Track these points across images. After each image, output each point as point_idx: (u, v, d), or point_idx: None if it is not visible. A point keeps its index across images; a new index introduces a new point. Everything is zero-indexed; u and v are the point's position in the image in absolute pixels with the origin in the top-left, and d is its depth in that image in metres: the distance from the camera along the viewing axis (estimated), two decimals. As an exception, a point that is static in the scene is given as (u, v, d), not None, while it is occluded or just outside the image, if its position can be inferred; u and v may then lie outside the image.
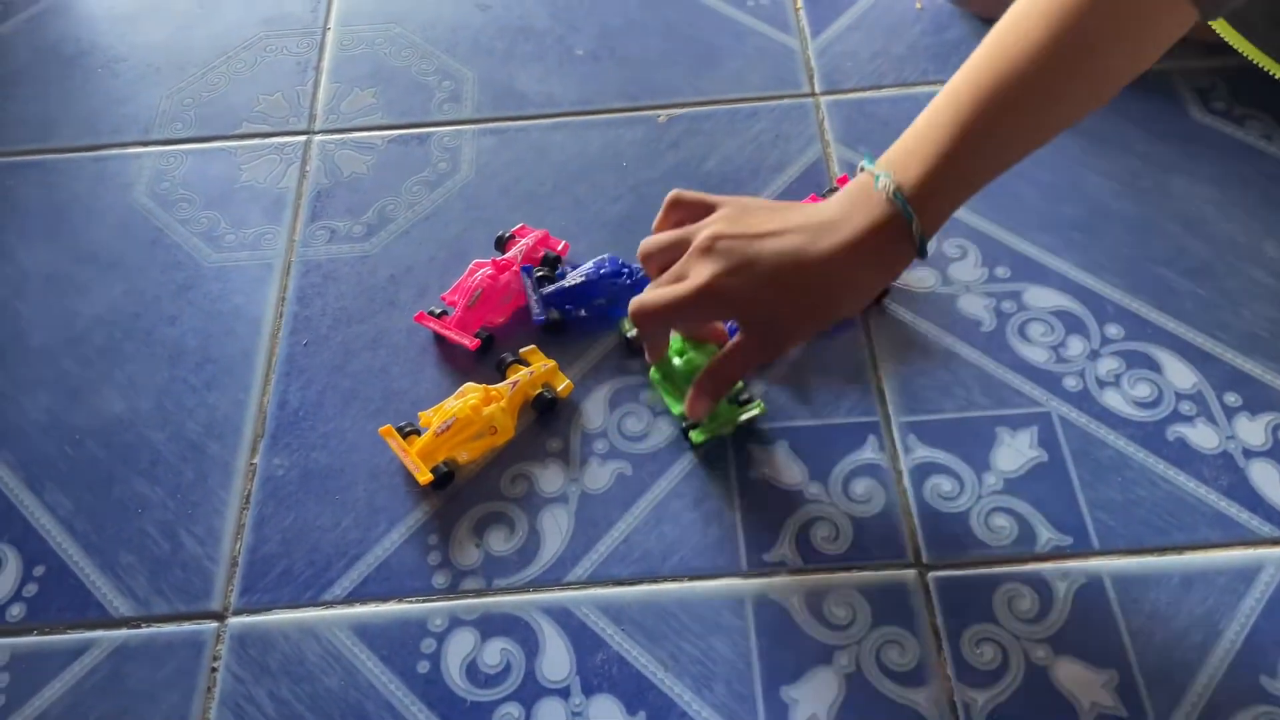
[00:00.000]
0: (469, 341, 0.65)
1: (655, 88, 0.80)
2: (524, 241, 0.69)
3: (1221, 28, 0.71)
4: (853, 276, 0.53)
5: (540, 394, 0.62)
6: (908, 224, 0.51)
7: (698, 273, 0.54)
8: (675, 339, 0.62)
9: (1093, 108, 0.52)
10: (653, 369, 0.62)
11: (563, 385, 0.63)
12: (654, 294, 0.55)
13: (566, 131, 0.78)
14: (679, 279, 0.55)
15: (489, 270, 0.67)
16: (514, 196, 0.74)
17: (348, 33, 0.86)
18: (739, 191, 0.73)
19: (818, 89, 0.79)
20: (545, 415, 0.63)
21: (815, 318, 0.55)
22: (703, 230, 0.55)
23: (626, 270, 0.67)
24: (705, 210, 0.57)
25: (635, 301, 0.56)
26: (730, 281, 0.53)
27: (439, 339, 0.66)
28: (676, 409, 0.62)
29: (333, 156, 0.78)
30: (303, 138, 0.79)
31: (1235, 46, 0.71)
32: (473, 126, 0.79)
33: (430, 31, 0.86)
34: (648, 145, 0.77)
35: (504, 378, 0.63)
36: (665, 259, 0.57)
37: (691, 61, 0.82)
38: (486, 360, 0.65)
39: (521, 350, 0.65)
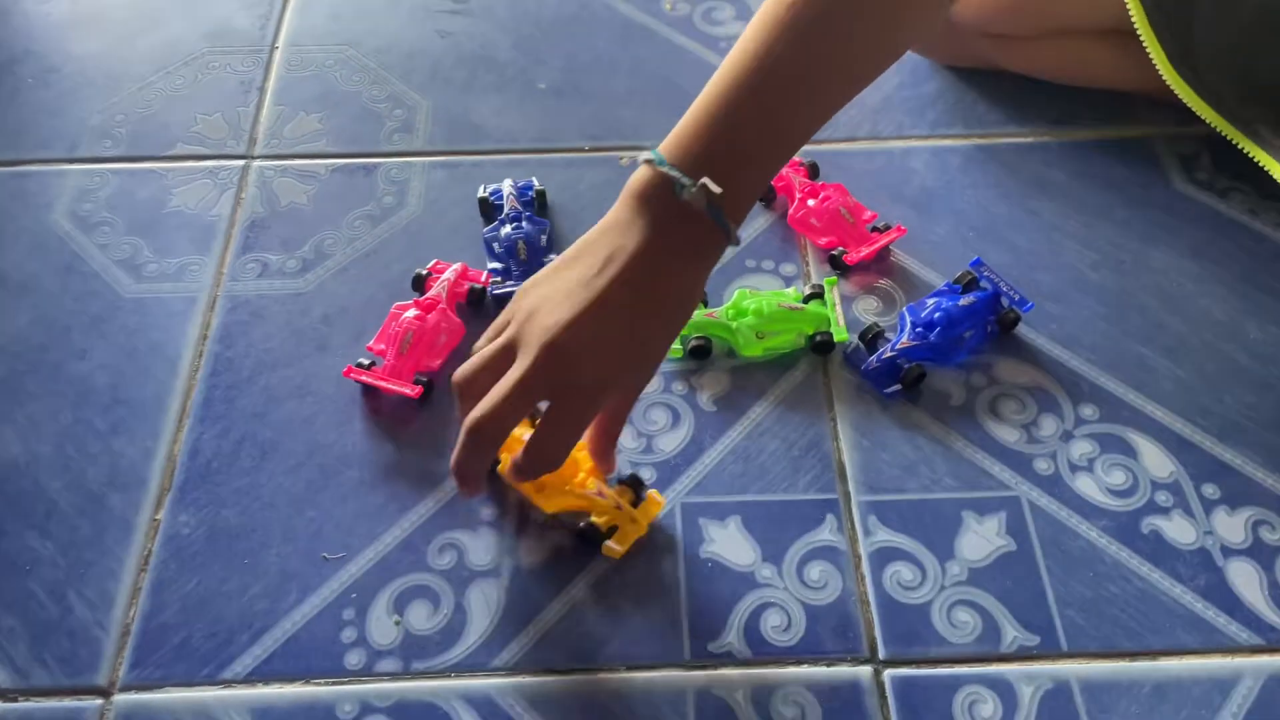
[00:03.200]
0: (410, 390, 0.60)
1: (620, 127, 0.76)
2: (444, 278, 0.65)
3: (1189, 98, 0.68)
4: (681, 286, 0.50)
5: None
6: (720, 225, 0.48)
7: (570, 378, 0.49)
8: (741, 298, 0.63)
9: (875, 60, 0.51)
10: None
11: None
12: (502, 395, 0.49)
13: (523, 169, 0.74)
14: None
15: (414, 313, 0.62)
16: (463, 236, 0.70)
17: (297, 53, 0.82)
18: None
19: (788, 138, 0.76)
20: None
21: (672, 333, 0.51)
22: (531, 343, 0.48)
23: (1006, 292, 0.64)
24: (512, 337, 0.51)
25: (479, 420, 0.49)
26: (603, 367, 0.49)
27: (372, 389, 0.61)
28: (749, 350, 0.63)
29: (271, 184, 0.73)
30: (240, 162, 0.74)
31: (1203, 116, 0.68)
32: (424, 159, 0.74)
33: (385, 56, 0.82)
34: (608, 187, 0.73)
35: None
36: (487, 378, 0.50)
37: (659, 102, 0.78)
38: (427, 410, 0.61)
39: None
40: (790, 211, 0.69)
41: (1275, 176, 0.66)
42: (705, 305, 0.65)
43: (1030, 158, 0.74)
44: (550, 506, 0.56)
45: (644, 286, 0.48)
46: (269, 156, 0.75)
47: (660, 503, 0.57)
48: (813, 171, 0.71)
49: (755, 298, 0.64)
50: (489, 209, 0.70)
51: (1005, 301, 0.64)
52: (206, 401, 0.62)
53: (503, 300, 0.66)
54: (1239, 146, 0.68)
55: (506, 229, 0.68)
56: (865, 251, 0.67)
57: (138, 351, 0.64)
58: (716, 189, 0.47)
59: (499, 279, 0.66)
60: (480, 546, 0.56)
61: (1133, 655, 0.52)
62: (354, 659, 0.52)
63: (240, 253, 0.69)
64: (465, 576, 0.55)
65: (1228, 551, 0.55)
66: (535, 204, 0.70)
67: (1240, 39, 0.67)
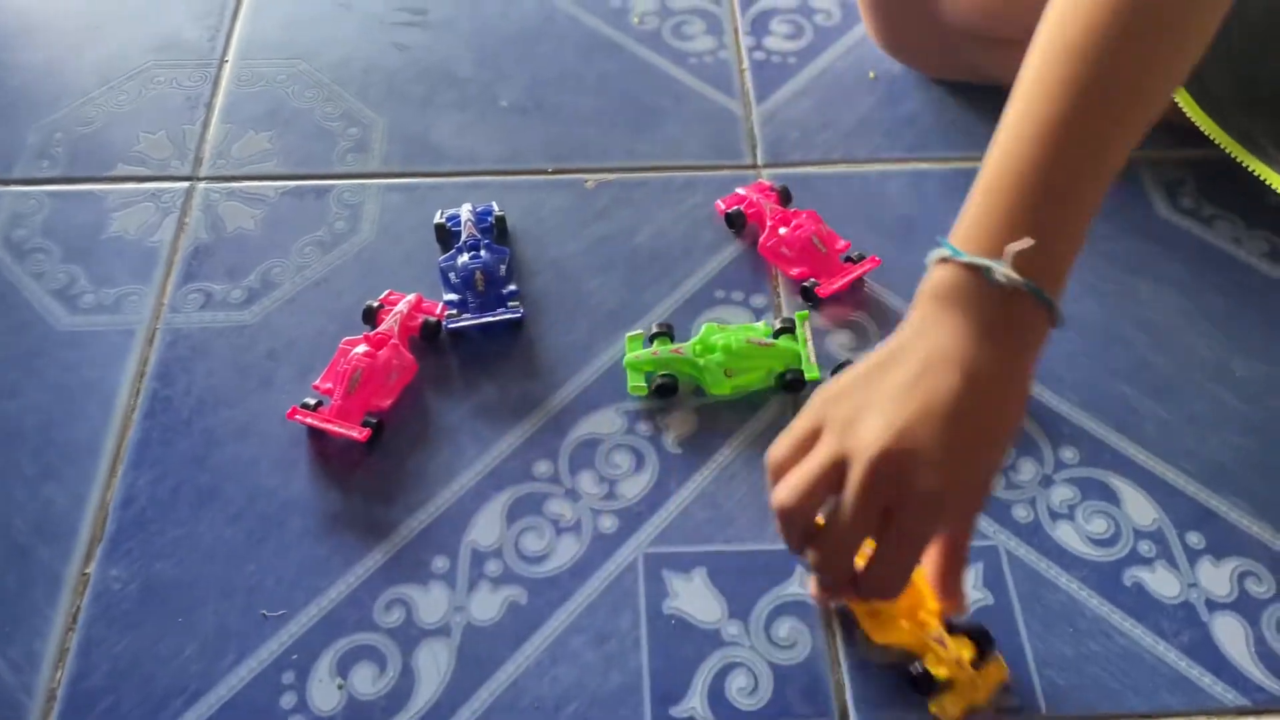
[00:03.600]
0: (357, 433, 0.57)
1: (585, 149, 0.73)
2: (397, 310, 0.62)
3: (1189, 107, 0.66)
4: (1012, 382, 0.45)
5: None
6: (1042, 305, 0.44)
7: (914, 491, 0.43)
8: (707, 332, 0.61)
9: (1169, 90, 0.48)
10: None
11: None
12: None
13: (484, 192, 0.70)
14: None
15: (364, 349, 0.59)
16: (418, 264, 0.66)
17: (247, 67, 0.78)
18: (670, 270, 0.66)
19: (760, 160, 0.73)
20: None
21: (1010, 437, 0.46)
22: (859, 455, 0.43)
23: None
24: (811, 438, 0.46)
25: (823, 559, 0.46)
26: (947, 479, 0.43)
27: (318, 431, 0.58)
28: (717, 388, 0.60)
29: (216, 208, 0.69)
30: (185, 184, 0.71)
31: (1202, 128, 0.66)
32: (379, 181, 0.71)
33: (340, 71, 0.78)
34: (573, 213, 0.70)
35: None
36: (810, 493, 0.45)
37: (626, 122, 0.75)
38: (377, 453, 0.58)
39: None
40: (761, 240, 0.66)
41: (1275, 187, 0.64)
42: (671, 340, 0.62)
43: (1010, 182, 0.71)
44: (880, 636, 0.51)
45: (974, 388, 0.43)
46: (215, 178, 0.71)
47: (1004, 670, 0.50)
48: (784, 197, 0.68)
49: (724, 332, 0.61)
50: (445, 236, 0.67)
51: None
52: (143, 444, 0.58)
53: (458, 335, 0.62)
54: (1234, 157, 0.66)
55: (463, 258, 0.64)
56: (838, 283, 0.64)
57: (71, 390, 0.60)
58: (1018, 262, 0.43)
59: (455, 312, 0.63)
60: (430, 602, 0.53)
61: (1115, 719, 0.50)
62: (294, 727, 0.49)
63: (182, 282, 0.65)
64: (414, 635, 0.52)
65: (1213, 605, 0.53)
66: (495, 231, 0.67)
67: (1245, 43, 0.64)
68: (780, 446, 0.47)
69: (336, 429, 0.57)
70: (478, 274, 0.63)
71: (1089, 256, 0.67)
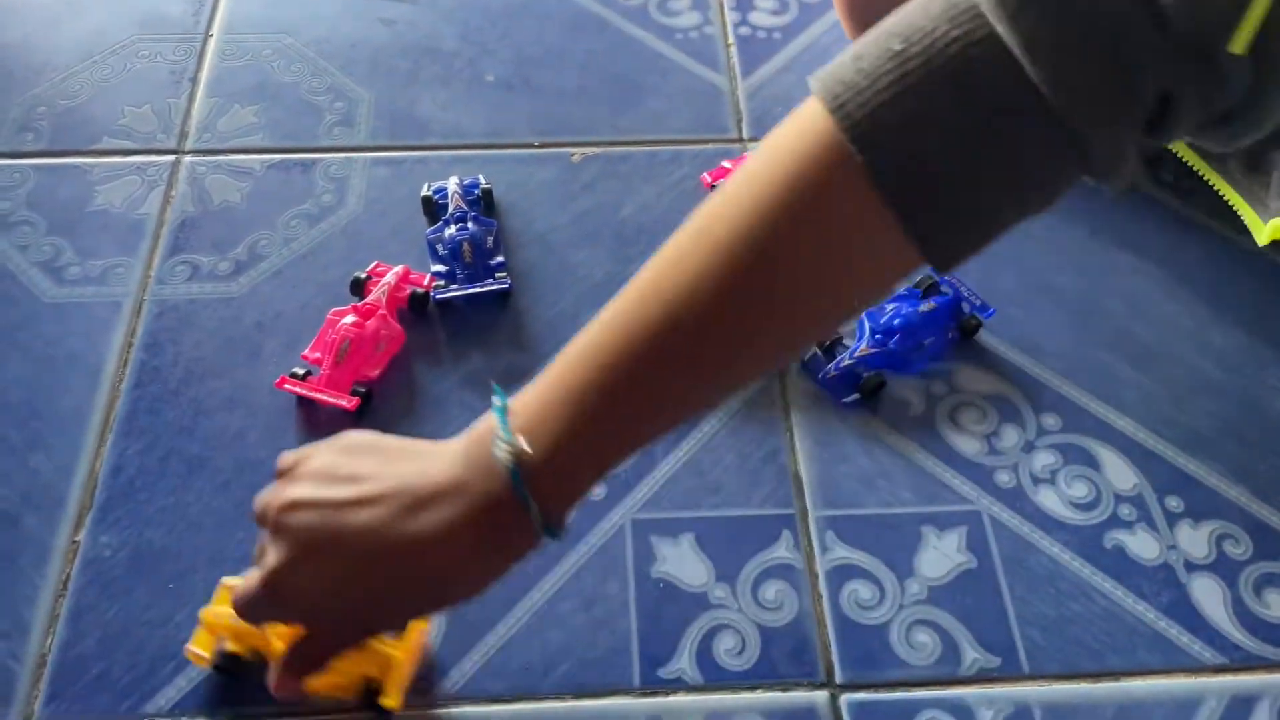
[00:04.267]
0: (346, 401, 0.57)
1: (570, 123, 0.74)
2: (385, 281, 0.62)
3: (1200, 166, 0.66)
4: (455, 565, 0.40)
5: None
6: (526, 510, 0.39)
7: (266, 559, 0.42)
8: None
9: (774, 362, 0.43)
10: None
11: None
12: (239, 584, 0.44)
13: (470, 165, 0.71)
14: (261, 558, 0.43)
15: (352, 319, 0.59)
16: (405, 238, 0.67)
17: (232, 41, 0.78)
18: (656, 243, 0.66)
19: (746, 134, 0.73)
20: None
21: (408, 609, 0.43)
22: (281, 494, 0.42)
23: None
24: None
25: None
26: (294, 578, 0.41)
27: (307, 401, 0.58)
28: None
29: (203, 181, 0.69)
30: (170, 158, 0.70)
31: (1214, 185, 0.66)
32: (365, 155, 0.71)
33: (325, 45, 0.78)
34: (559, 186, 0.70)
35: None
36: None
37: (611, 96, 0.75)
38: (366, 421, 0.58)
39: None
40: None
41: (1243, 216, 0.64)
42: None
43: (993, 156, 0.72)
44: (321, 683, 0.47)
45: (400, 548, 0.39)
46: (201, 152, 0.71)
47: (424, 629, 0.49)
48: (770, 170, 0.69)
49: None
50: (433, 208, 0.67)
51: (966, 307, 0.62)
52: (130, 414, 0.58)
53: (445, 305, 0.63)
54: (1211, 185, 0.66)
55: (451, 230, 0.65)
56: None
57: (56, 362, 0.60)
58: (527, 449, 0.38)
59: (443, 283, 0.63)
60: (420, 568, 0.53)
61: (1095, 677, 0.50)
62: (285, 691, 0.49)
63: (169, 254, 0.65)
64: (404, 600, 0.52)
65: (1191, 567, 0.54)
66: (482, 203, 0.67)
67: None
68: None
69: (325, 398, 0.57)
70: (465, 245, 0.64)
71: (1071, 229, 0.68)
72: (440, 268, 0.64)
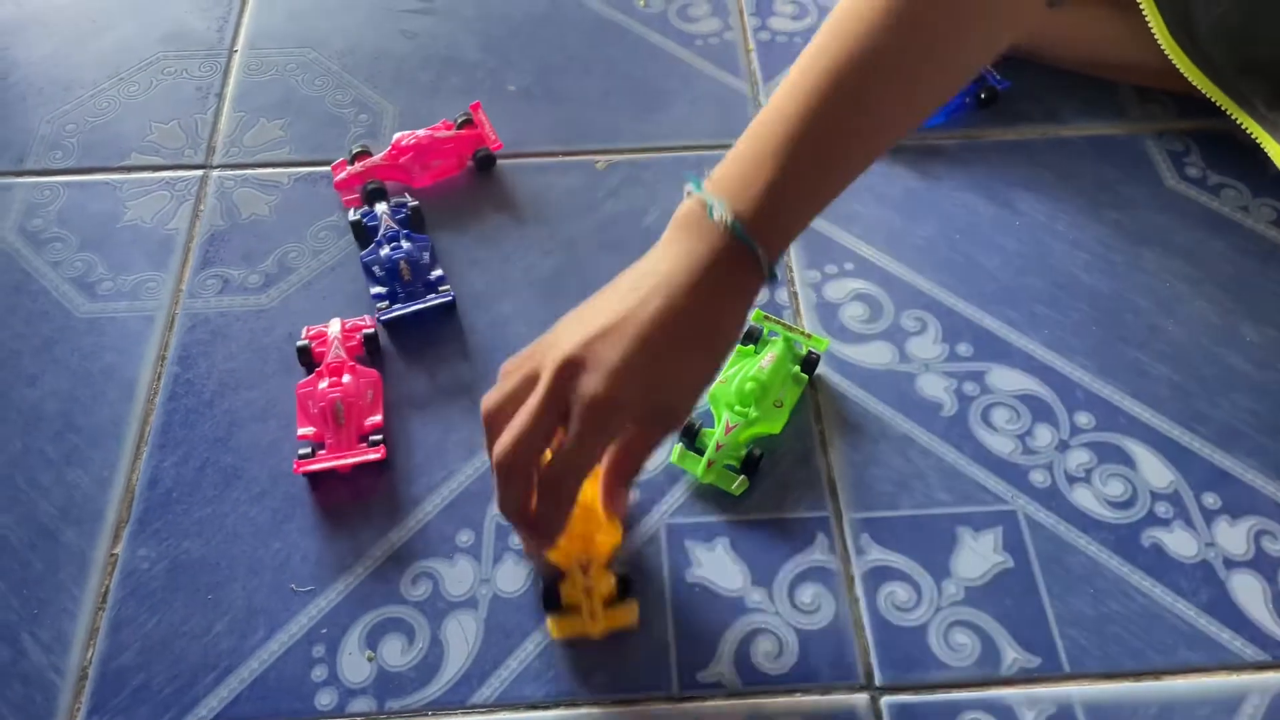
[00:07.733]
0: (374, 455, 0.56)
1: (594, 130, 0.74)
2: (333, 336, 0.60)
3: (1185, 67, 0.67)
4: (722, 315, 0.47)
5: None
6: (752, 254, 0.46)
7: (580, 392, 0.45)
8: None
9: (935, 105, 0.49)
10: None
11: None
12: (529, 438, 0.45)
13: (495, 174, 0.71)
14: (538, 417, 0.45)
15: (328, 382, 0.58)
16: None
17: (256, 56, 0.79)
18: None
19: (769, 139, 0.73)
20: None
21: (705, 371, 0.47)
22: (548, 362, 0.45)
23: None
24: (534, 363, 0.47)
25: (503, 452, 0.45)
26: (616, 385, 0.44)
27: (328, 476, 0.56)
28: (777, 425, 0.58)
29: (231, 195, 0.70)
30: (198, 172, 0.71)
31: (1199, 86, 0.67)
32: (391, 166, 0.72)
33: (349, 58, 0.79)
34: (584, 194, 0.70)
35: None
36: (513, 408, 0.46)
37: (634, 103, 0.75)
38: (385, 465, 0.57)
39: None
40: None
41: (1267, 150, 0.65)
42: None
43: (1016, 157, 0.72)
44: (551, 552, 0.51)
45: (671, 310, 0.45)
46: (228, 166, 0.71)
47: (631, 618, 0.51)
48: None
49: (729, 392, 0.58)
50: (363, 232, 0.65)
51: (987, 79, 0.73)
52: (165, 427, 0.59)
53: (393, 325, 0.62)
54: (1234, 119, 0.67)
55: (385, 250, 0.64)
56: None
57: (92, 375, 0.61)
58: (741, 209, 0.45)
59: (384, 303, 0.62)
60: (456, 576, 0.53)
61: (1137, 675, 0.50)
62: (325, 699, 0.49)
63: (199, 268, 0.66)
64: (441, 608, 0.52)
65: (1230, 564, 0.54)
66: (410, 221, 0.66)
67: (1240, 7, 0.65)
68: (491, 397, 0.47)
69: (349, 461, 0.56)
70: (402, 264, 0.63)
71: (1097, 227, 0.68)
72: (380, 289, 0.63)
